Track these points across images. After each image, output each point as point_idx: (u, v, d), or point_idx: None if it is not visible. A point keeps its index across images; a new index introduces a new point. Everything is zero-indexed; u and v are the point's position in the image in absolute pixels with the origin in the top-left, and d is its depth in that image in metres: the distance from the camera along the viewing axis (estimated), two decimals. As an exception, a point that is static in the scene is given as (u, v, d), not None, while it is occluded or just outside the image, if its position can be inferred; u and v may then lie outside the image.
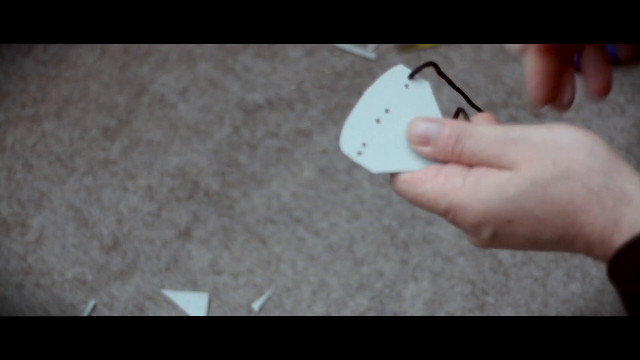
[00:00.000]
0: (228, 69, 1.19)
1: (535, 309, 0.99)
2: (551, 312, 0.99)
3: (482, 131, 0.57)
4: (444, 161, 0.58)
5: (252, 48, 1.20)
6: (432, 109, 0.61)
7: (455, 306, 1.00)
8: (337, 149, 1.12)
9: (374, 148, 0.60)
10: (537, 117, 1.12)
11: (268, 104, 1.16)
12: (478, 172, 0.56)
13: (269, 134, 1.13)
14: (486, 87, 1.14)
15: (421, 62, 0.62)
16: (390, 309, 1.00)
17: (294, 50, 1.20)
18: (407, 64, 0.63)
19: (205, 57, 1.20)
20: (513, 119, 1.11)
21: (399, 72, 0.62)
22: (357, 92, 1.15)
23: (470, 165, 0.58)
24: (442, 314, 1.00)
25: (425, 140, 0.59)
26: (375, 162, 0.59)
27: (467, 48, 1.17)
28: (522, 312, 0.99)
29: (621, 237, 0.53)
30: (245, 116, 1.15)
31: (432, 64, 0.62)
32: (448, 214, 0.57)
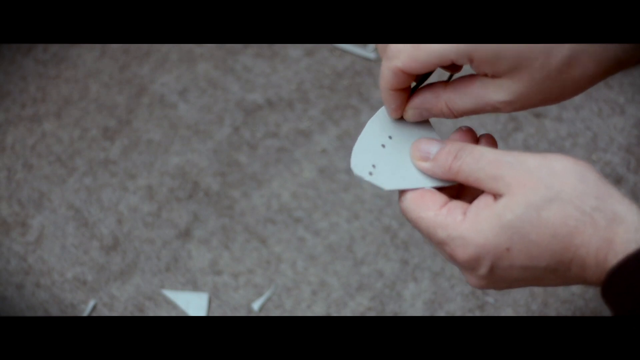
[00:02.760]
0: (228, 69, 1.19)
1: (535, 309, 0.99)
2: (551, 312, 0.99)
3: (481, 150, 0.58)
4: (443, 178, 0.60)
5: (252, 48, 1.20)
6: (431, 133, 0.65)
7: (455, 306, 1.00)
8: (337, 148, 1.12)
9: (384, 168, 0.63)
10: (537, 117, 1.12)
11: (268, 104, 1.16)
12: (477, 206, 0.57)
13: (269, 134, 1.13)
14: (486, 87, 1.14)
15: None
16: (390, 309, 1.00)
17: (294, 50, 1.20)
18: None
19: (205, 57, 1.20)
20: (513, 119, 1.11)
21: None
22: (357, 92, 1.15)
23: (466, 184, 0.59)
24: (442, 314, 1.00)
25: (426, 156, 0.61)
26: (386, 180, 0.62)
27: (467, 48, 1.17)
28: (522, 312, 0.99)
29: (615, 257, 0.53)
30: (245, 116, 1.15)
31: None
32: (446, 246, 0.58)
